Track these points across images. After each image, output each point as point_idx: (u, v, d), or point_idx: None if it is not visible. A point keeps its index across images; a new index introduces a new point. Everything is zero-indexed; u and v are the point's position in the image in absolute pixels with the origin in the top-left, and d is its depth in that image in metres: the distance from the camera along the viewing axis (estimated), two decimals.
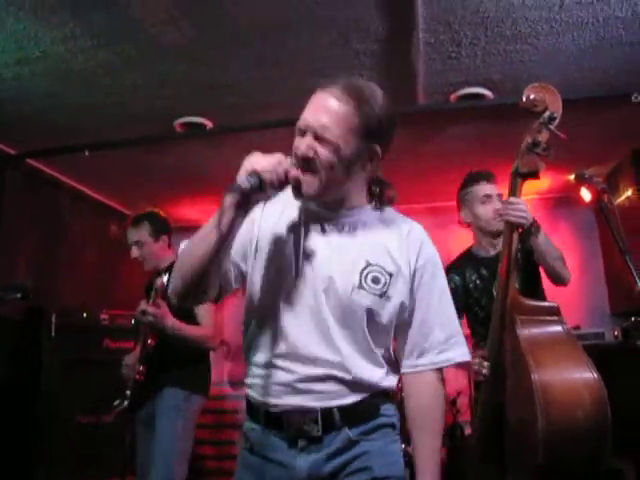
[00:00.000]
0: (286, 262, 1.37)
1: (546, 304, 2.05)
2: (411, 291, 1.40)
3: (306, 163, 1.32)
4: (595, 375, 1.74)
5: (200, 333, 2.88)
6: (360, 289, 1.33)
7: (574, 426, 1.66)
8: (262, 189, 1.25)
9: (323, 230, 1.41)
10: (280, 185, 1.28)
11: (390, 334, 1.42)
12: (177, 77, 3.15)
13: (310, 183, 1.32)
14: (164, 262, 3.02)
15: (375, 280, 1.35)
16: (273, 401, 1.36)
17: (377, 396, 1.37)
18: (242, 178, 1.24)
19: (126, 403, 2.95)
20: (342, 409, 1.32)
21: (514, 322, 1.96)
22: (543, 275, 2.48)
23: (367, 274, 1.35)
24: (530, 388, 1.74)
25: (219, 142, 3.82)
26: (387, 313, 1.36)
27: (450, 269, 2.71)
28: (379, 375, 1.37)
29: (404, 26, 2.73)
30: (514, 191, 2.13)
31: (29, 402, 3.58)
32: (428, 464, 1.38)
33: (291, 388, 1.33)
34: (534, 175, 2.07)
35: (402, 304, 1.38)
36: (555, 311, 1.99)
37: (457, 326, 1.47)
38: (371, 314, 1.34)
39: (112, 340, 4.08)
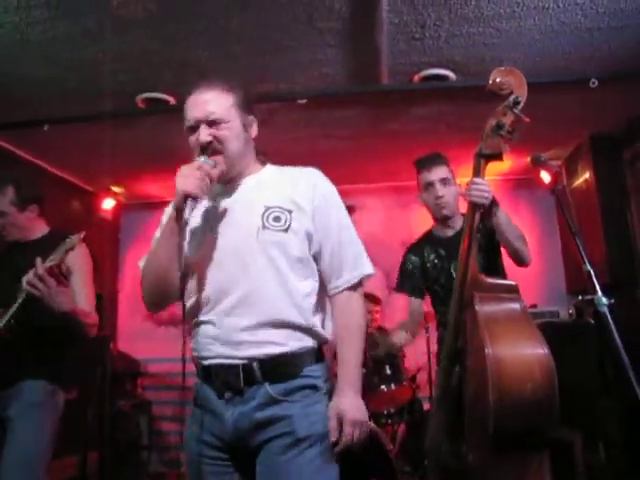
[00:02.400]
0: (203, 231, 1.58)
1: (505, 282, 2.10)
2: (314, 223, 1.56)
3: (210, 149, 1.53)
4: (545, 351, 1.80)
5: (88, 319, 2.44)
6: (265, 229, 1.51)
7: (523, 398, 1.73)
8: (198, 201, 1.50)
9: (228, 198, 1.61)
10: (207, 190, 1.50)
11: (308, 268, 1.56)
12: (138, 52, 3.09)
13: (218, 163, 1.54)
14: (36, 232, 2.60)
15: (276, 219, 1.52)
16: (203, 354, 1.52)
17: (301, 354, 1.49)
18: (179, 202, 1.47)
19: None
20: (262, 362, 1.45)
21: (473, 299, 2.00)
22: (504, 255, 2.54)
23: (268, 215, 1.52)
24: (484, 362, 1.80)
25: (182, 117, 3.77)
26: (297, 245, 1.53)
27: (409, 250, 2.77)
28: (301, 317, 1.50)
29: (368, 5, 2.73)
30: (477, 172, 2.16)
31: None
32: (347, 373, 1.52)
33: (216, 339, 1.49)
34: (498, 157, 2.10)
35: (308, 234, 1.55)
36: (513, 289, 2.03)
37: (361, 247, 1.64)
38: (281, 248, 1.50)
39: None
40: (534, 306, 4.37)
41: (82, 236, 2.28)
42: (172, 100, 3.62)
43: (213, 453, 1.48)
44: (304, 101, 3.55)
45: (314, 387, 1.50)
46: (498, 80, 2.05)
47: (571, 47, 3.15)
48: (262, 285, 1.48)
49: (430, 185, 2.61)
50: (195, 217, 1.60)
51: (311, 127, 4.12)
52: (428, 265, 2.64)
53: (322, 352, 1.57)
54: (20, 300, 2.25)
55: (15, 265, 2.39)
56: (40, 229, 2.63)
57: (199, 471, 1.49)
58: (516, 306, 1.99)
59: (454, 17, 2.85)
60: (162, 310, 1.62)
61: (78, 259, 2.49)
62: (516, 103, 2.02)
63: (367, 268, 1.62)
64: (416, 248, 2.72)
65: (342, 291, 1.58)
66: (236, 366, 1.45)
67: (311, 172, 1.65)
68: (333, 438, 1.45)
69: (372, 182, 5.50)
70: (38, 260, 2.22)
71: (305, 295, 1.54)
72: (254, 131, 1.64)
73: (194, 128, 1.56)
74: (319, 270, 1.60)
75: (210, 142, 1.53)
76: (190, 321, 1.59)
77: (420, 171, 2.66)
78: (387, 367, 3.75)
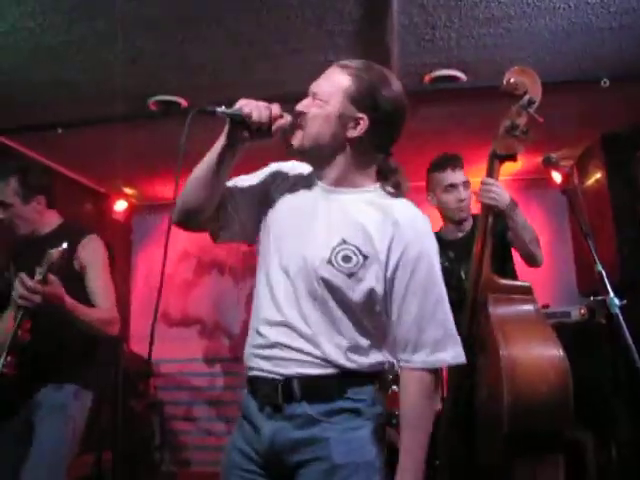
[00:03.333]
0: (281, 233, 1.46)
1: (519, 283, 2.11)
2: (393, 280, 1.36)
3: (299, 118, 1.42)
4: (560, 352, 1.81)
5: (105, 316, 2.33)
6: (328, 264, 1.35)
7: (538, 399, 1.74)
8: (245, 125, 1.36)
9: (318, 205, 1.45)
10: (263, 126, 1.36)
11: (369, 316, 1.39)
12: (150, 56, 3.12)
13: (295, 135, 1.43)
14: (46, 226, 2.48)
15: (345, 259, 1.35)
16: (249, 364, 1.44)
17: (347, 376, 1.36)
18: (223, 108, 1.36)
19: None
20: (302, 380, 1.34)
21: (486, 301, 2.01)
22: (515, 256, 2.53)
23: (339, 251, 1.35)
24: (498, 363, 1.81)
25: (195, 119, 3.79)
26: (358, 294, 1.35)
27: None
28: (348, 354, 1.36)
29: (378, 7, 2.74)
30: (491, 173, 2.16)
31: None
32: (407, 460, 1.35)
33: (262, 352, 1.40)
34: (512, 157, 2.11)
35: (374, 289, 1.36)
36: (527, 290, 2.04)
37: (452, 325, 1.40)
38: (339, 292, 1.35)
39: None
40: (546, 306, 4.34)
41: (64, 247, 2.09)
42: (184, 102, 3.65)
43: (247, 465, 1.41)
44: None
45: (357, 411, 1.36)
46: (512, 80, 2.05)
47: (582, 47, 3.14)
48: (312, 324, 1.36)
49: (453, 187, 2.56)
50: (287, 199, 1.49)
51: None
52: None
53: (372, 375, 1.41)
54: (20, 316, 2.10)
55: (29, 264, 2.21)
56: (51, 223, 2.50)
57: (229, 476, 1.43)
58: (530, 307, 1.99)
59: (464, 18, 2.85)
60: (180, 225, 1.50)
61: (90, 255, 2.40)
62: (531, 103, 2.02)
63: (449, 355, 1.37)
64: None
65: (415, 369, 1.37)
66: (276, 381, 1.36)
67: (413, 215, 1.44)
68: None
69: None
70: (22, 275, 2.08)
71: (355, 344, 1.37)
72: (357, 131, 1.41)
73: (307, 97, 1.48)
74: (391, 327, 1.40)
75: (300, 112, 1.43)
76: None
77: (442, 171, 2.59)
78: None
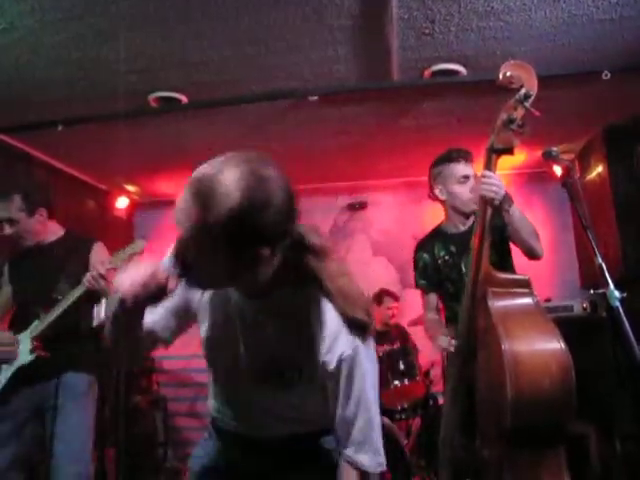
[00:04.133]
0: (226, 350, 1.42)
1: (518, 277, 2.10)
2: (334, 383, 1.33)
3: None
4: (562, 345, 1.80)
5: None
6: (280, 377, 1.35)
7: (541, 393, 1.73)
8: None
9: (245, 319, 1.37)
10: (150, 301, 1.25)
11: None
12: (150, 52, 3.11)
13: None
14: (50, 235, 2.76)
15: (299, 374, 1.34)
16: (220, 424, 1.53)
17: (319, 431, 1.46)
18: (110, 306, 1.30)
19: None
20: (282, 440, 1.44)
21: (486, 294, 2.00)
22: (514, 250, 2.53)
23: (283, 368, 1.34)
24: (500, 357, 1.80)
25: (195, 116, 3.80)
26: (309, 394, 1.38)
27: (419, 247, 2.75)
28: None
29: (377, 2, 2.73)
30: (489, 166, 2.15)
31: None
32: None
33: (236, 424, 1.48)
34: (509, 151, 2.10)
35: (322, 388, 1.34)
36: (526, 284, 2.04)
37: (377, 432, 1.38)
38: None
39: None
40: (548, 300, 4.35)
41: (143, 244, 2.57)
42: (184, 99, 3.64)
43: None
44: (315, 98, 3.55)
45: (331, 456, 1.44)
46: (508, 74, 2.05)
47: (583, 39, 3.12)
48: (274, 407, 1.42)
49: (466, 178, 2.56)
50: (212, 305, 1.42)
51: (322, 124, 4.13)
52: (439, 262, 2.63)
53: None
54: (77, 295, 2.48)
55: (38, 269, 2.62)
56: (54, 232, 2.76)
57: None
58: (529, 300, 1.99)
59: (464, 11, 2.84)
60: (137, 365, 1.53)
61: (97, 259, 2.62)
62: (527, 97, 2.01)
63: (371, 463, 1.36)
64: (426, 245, 2.71)
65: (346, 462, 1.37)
66: (257, 441, 1.46)
67: (335, 322, 1.32)
68: None
69: (384, 178, 5.49)
70: (103, 260, 2.50)
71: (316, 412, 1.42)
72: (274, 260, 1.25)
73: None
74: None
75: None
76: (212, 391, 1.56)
77: (456, 162, 2.59)
78: (401, 363, 3.77)
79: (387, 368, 3.72)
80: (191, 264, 1.17)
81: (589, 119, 4.16)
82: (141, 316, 1.33)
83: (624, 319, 1.62)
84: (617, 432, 3.15)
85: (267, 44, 3.07)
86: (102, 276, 2.44)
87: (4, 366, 2.58)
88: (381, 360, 3.72)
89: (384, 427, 1.57)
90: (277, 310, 1.33)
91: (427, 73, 3.43)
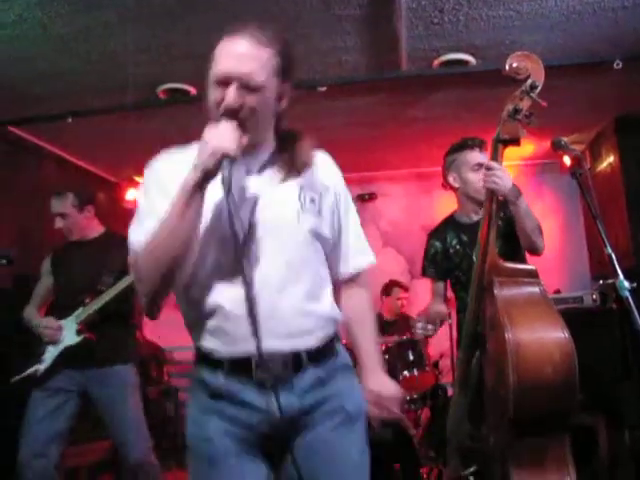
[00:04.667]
0: (225, 219, 1.28)
1: (524, 266, 2.10)
2: (336, 209, 1.51)
3: (233, 114, 1.29)
4: (565, 334, 1.80)
5: None
6: (304, 212, 1.39)
7: (543, 382, 1.73)
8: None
9: (249, 177, 1.39)
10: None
11: (325, 264, 1.48)
12: (158, 44, 3.12)
13: (245, 134, 1.29)
14: (93, 231, 3.02)
15: (312, 201, 1.42)
16: (237, 347, 1.32)
17: (333, 334, 1.45)
18: (210, 161, 1.22)
19: (43, 368, 2.76)
20: (309, 350, 1.35)
21: (492, 284, 2.01)
22: None
23: (305, 197, 1.41)
24: (504, 346, 1.81)
25: (204, 108, 3.80)
26: (325, 230, 1.45)
27: (431, 235, 2.75)
28: (332, 304, 1.46)
29: None
30: (495, 157, 2.15)
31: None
32: (374, 354, 1.54)
33: (257, 332, 1.28)
34: (515, 142, 2.09)
35: (332, 220, 1.48)
36: (533, 273, 2.04)
37: (365, 238, 1.61)
38: (316, 235, 1.42)
39: None
40: (557, 292, 4.33)
41: None
42: (192, 90, 3.65)
43: (239, 448, 1.35)
44: (324, 89, 3.55)
45: (349, 366, 1.48)
46: (514, 65, 2.04)
47: (594, 28, 3.09)
48: (299, 271, 1.37)
49: (480, 166, 2.50)
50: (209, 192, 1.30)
51: (331, 115, 4.12)
52: (450, 251, 2.63)
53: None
54: (122, 286, 2.75)
55: (82, 262, 2.88)
56: (97, 229, 3.03)
57: (221, 471, 1.34)
58: (535, 290, 1.99)
59: (473, 0, 2.82)
60: (157, 311, 1.37)
61: None
62: (533, 87, 2.00)
63: (372, 256, 1.62)
64: (438, 233, 2.71)
65: (358, 274, 1.57)
66: (280, 354, 1.32)
67: (324, 156, 1.56)
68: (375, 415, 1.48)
69: (393, 169, 5.49)
70: None
71: (327, 282, 1.48)
72: (285, 101, 1.40)
73: (221, 83, 1.32)
74: (329, 253, 1.50)
75: (239, 109, 1.29)
76: (200, 310, 1.36)
77: (471, 150, 2.57)
78: (410, 353, 3.76)
79: (396, 358, 3.72)
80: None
81: (600, 109, 4.13)
82: (205, 189, 1.25)
83: (634, 309, 1.61)
84: (626, 423, 3.14)
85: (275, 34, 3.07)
86: None
87: (51, 347, 2.78)
88: (390, 350, 3.73)
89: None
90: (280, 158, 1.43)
91: (436, 63, 3.41)
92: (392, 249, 5.53)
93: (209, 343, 1.36)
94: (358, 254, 1.57)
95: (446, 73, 3.47)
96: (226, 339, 1.34)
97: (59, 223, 2.96)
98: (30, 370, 2.76)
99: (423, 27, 3.04)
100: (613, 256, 1.68)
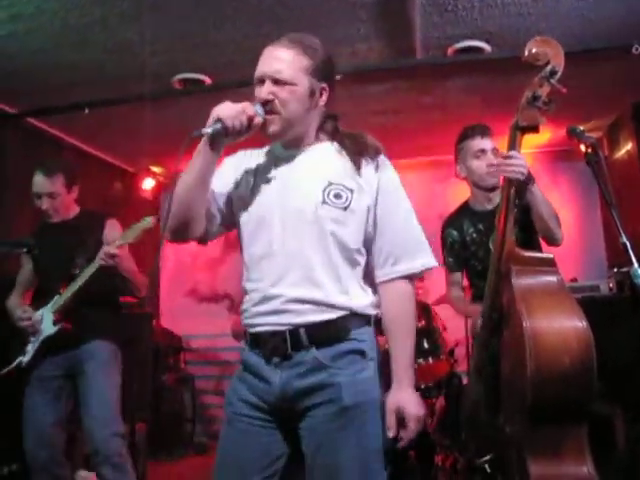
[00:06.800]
0: (261, 200, 1.56)
1: (541, 255, 2.09)
2: (376, 206, 1.55)
3: (268, 106, 1.51)
4: (583, 323, 1.80)
5: (145, 281, 2.86)
6: (324, 204, 1.49)
7: (561, 370, 1.73)
8: (226, 134, 1.46)
9: (289, 166, 1.59)
10: (242, 130, 1.47)
11: (362, 253, 1.55)
12: (174, 34, 3.13)
13: (273, 122, 1.52)
14: (72, 213, 2.93)
15: (337, 196, 1.51)
16: (252, 322, 1.54)
17: (349, 318, 1.49)
18: (208, 125, 1.46)
19: (26, 360, 2.74)
20: (309, 327, 1.46)
21: (509, 272, 2.00)
22: None
23: (329, 191, 1.51)
24: (521, 334, 1.81)
25: (219, 97, 3.81)
26: (353, 226, 1.52)
27: (447, 224, 2.74)
28: (348, 296, 1.50)
29: None
30: (513, 145, 2.13)
31: None
32: (405, 367, 1.51)
33: (264, 308, 1.50)
34: (534, 129, 2.07)
35: (367, 218, 1.54)
36: (550, 262, 2.03)
37: (423, 235, 1.61)
38: (337, 228, 1.49)
39: None
40: (574, 280, 4.31)
41: (152, 220, 2.67)
42: (208, 80, 3.66)
43: (252, 413, 1.51)
44: (338, 77, 3.52)
45: (361, 352, 1.49)
46: (534, 51, 2.01)
47: (611, 12, 3.05)
48: (309, 258, 1.48)
49: (482, 152, 2.54)
50: (251, 170, 1.62)
51: (345, 103, 4.11)
52: (467, 239, 2.63)
53: (370, 319, 1.54)
54: (91, 272, 2.64)
55: (58, 244, 2.81)
56: (74, 209, 2.95)
57: (234, 427, 1.54)
58: (553, 278, 1.98)
59: None
60: (174, 239, 1.59)
61: (114, 234, 2.79)
62: (553, 73, 1.98)
63: (430, 259, 1.59)
64: (455, 222, 2.70)
65: (399, 278, 1.54)
66: (283, 332, 1.46)
67: (382, 157, 1.65)
68: (392, 434, 1.45)
69: (408, 157, 5.45)
70: (115, 238, 2.67)
71: (352, 285, 1.52)
72: (323, 99, 1.58)
73: (261, 81, 1.56)
74: (372, 252, 1.57)
75: (270, 100, 1.51)
76: (243, 286, 1.59)
77: (471, 138, 2.59)
78: (425, 341, 3.77)
79: None
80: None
81: (618, 95, 4.07)
82: (219, 153, 1.51)
83: None
84: None
85: (289, 23, 3.07)
86: (113, 255, 2.60)
87: (32, 338, 2.76)
88: None
89: None
90: (320, 154, 1.59)
91: (450, 51, 3.39)
92: None
93: (242, 317, 1.59)
94: (399, 260, 1.55)
95: (461, 61, 3.45)
96: (244, 315, 1.57)
97: (45, 204, 2.83)
98: (15, 362, 2.77)
99: (437, 14, 3.02)
100: (628, 244, 1.67)
